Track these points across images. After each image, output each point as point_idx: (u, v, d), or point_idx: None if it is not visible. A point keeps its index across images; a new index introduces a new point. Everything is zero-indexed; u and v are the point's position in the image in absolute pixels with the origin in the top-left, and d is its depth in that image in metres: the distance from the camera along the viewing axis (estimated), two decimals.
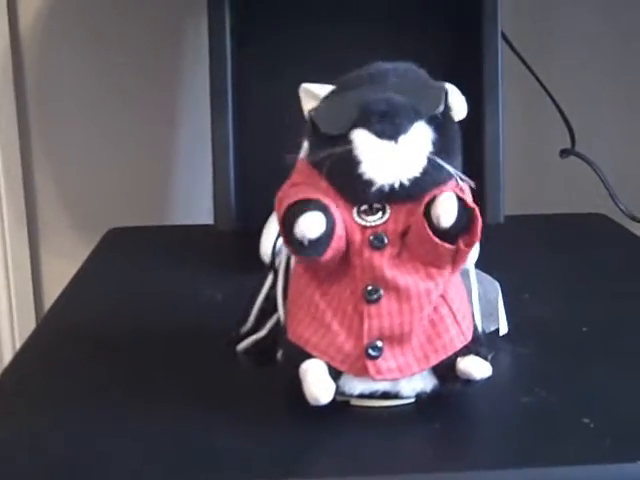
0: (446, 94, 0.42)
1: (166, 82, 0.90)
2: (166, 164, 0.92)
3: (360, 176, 0.40)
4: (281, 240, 0.45)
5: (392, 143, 0.40)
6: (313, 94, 0.43)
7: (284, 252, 0.46)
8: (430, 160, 0.41)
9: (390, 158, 0.40)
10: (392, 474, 0.39)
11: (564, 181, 0.92)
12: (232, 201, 0.77)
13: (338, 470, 0.40)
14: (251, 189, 0.77)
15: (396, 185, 0.41)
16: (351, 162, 0.40)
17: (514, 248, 0.71)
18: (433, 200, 0.41)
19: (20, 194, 0.90)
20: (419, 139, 0.41)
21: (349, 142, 0.40)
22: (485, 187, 0.77)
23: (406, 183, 0.41)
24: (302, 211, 0.40)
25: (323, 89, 0.43)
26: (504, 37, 0.81)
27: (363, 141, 0.40)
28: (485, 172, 0.77)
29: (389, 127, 0.40)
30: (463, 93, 0.43)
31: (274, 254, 0.48)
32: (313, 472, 0.40)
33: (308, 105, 0.43)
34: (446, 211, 0.40)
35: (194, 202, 0.92)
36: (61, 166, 0.91)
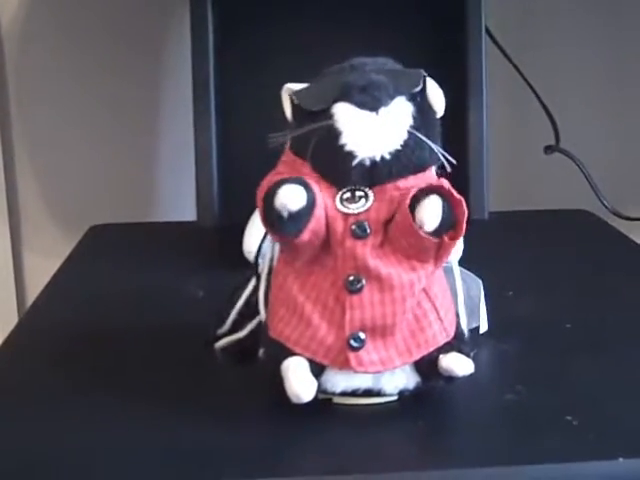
0: (424, 78, 0.42)
1: (149, 79, 0.89)
2: (149, 160, 0.91)
3: (341, 148, 0.40)
4: (265, 244, 0.45)
5: (373, 114, 0.40)
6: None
7: (268, 256, 0.46)
8: (411, 134, 0.41)
9: (371, 129, 0.40)
10: (375, 472, 0.39)
11: (548, 177, 0.92)
12: (215, 198, 0.77)
13: (320, 469, 0.40)
14: (234, 186, 0.77)
15: (377, 158, 0.40)
16: (332, 135, 0.40)
17: (498, 244, 0.71)
18: (417, 198, 0.40)
19: (2, 190, 0.89)
20: (400, 112, 0.41)
21: (330, 116, 0.40)
22: (469, 183, 0.77)
23: (387, 157, 0.40)
24: (282, 183, 0.40)
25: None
26: (489, 33, 0.81)
27: (344, 113, 0.40)
28: (469, 168, 0.77)
29: (369, 99, 0.40)
30: (447, 89, 0.43)
31: (257, 259, 0.47)
32: (295, 470, 0.40)
33: (289, 104, 0.43)
34: (430, 216, 0.40)
35: (177, 199, 0.91)
36: (43, 162, 0.91)
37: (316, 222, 0.41)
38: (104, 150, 0.90)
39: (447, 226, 0.41)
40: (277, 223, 0.40)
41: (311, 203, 0.40)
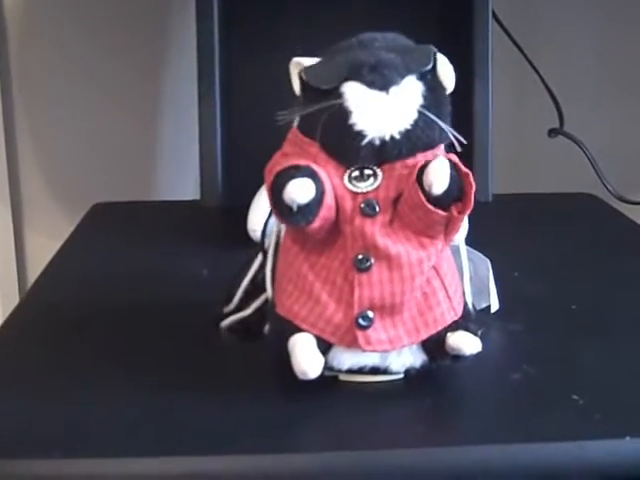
0: (435, 55, 0.42)
1: (152, 58, 0.89)
2: (152, 139, 0.91)
3: (351, 127, 0.40)
4: (271, 221, 0.45)
5: (383, 94, 0.40)
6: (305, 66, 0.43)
7: (274, 233, 0.46)
8: (421, 113, 0.40)
9: (381, 108, 0.40)
10: (380, 449, 0.39)
11: (552, 160, 0.91)
12: (219, 177, 0.77)
13: (326, 445, 0.40)
14: (238, 164, 0.77)
15: (387, 138, 0.40)
16: (342, 114, 0.40)
17: (503, 226, 0.71)
18: (425, 167, 0.40)
19: (4, 170, 0.89)
20: (410, 91, 0.40)
21: (340, 95, 0.40)
22: (474, 166, 0.77)
23: (397, 136, 0.40)
24: (291, 177, 0.40)
25: (315, 61, 0.43)
26: (495, 16, 0.80)
27: (354, 92, 0.40)
28: (474, 150, 0.77)
29: (379, 78, 0.40)
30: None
31: (264, 235, 0.47)
32: (300, 447, 0.40)
33: (298, 79, 0.43)
34: (438, 178, 0.40)
35: (180, 177, 0.91)
36: (45, 141, 0.90)
37: (326, 210, 0.41)
38: (107, 128, 0.90)
39: (455, 195, 0.40)
40: (287, 215, 0.40)
41: (320, 193, 0.40)
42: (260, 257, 0.47)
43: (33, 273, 0.91)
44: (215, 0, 0.76)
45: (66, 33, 0.87)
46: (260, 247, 0.47)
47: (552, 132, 0.84)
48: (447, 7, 0.79)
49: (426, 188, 0.40)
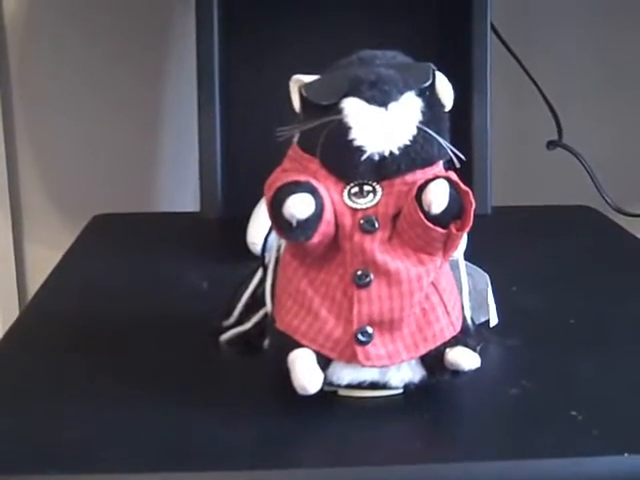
0: (434, 72, 0.42)
1: (152, 69, 0.89)
2: (152, 150, 0.91)
3: (351, 143, 0.40)
4: (271, 236, 0.45)
5: (382, 109, 0.40)
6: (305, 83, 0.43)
7: (274, 248, 0.46)
8: (420, 130, 0.41)
9: (380, 124, 0.40)
10: (379, 465, 0.39)
11: (551, 173, 0.92)
12: (218, 189, 0.77)
13: (325, 461, 0.40)
14: (237, 177, 0.77)
15: (386, 153, 0.40)
16: (342, 130, 0.40)
17: (501, 239, 0.71)
18: (425, 186, 0.40)
19: (4, 180, 0.89)
20: (409, 107, 0.41)
21: (339, 111, 0.40)
22: (473, 178, 0.77)
23: (396, 152, 0.41)
24: (291, 192, 0.40)
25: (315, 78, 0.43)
26: (493, 28, 0.80)
27: (353, 108, 0.40)
28: (473, 163, 0.77)
29: (379, 94, 0.40)
30: (451, 85, 0.43)
31: (264, 250, 0.47)
32: (299, 462, 0.40)
33: (298, 96, 0.43)
34: (437, 198, 0.40)
35: (180, 189, 0.91)
36: (45, 152, 0.90)
37: (326, 225, 0.41)
38: (107, 140, 0.90)
39: (454, 213, 0.41)
40: (286, 230, 0.41)
41: (320, 209, 0.40)
42: (260, 272, 0.47)
43: (33, 285, 0.91)
44: (215, 10, 0.76)
45: (67, 42, 0.87)
46: (260, 262, 0.47)
47: (550, 144, 0.84)
48: (445, 19, 0.80)
49: (425, 207, 0.40)
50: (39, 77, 0.88)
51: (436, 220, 0.41)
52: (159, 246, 0.70)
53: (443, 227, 0.41)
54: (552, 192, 0.90)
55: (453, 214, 0.41)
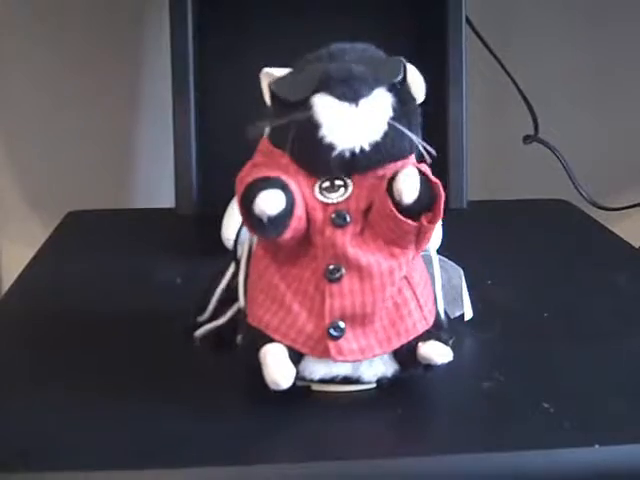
0: (404, 67, 0.42)
1: (128, 64, 0.89)
2: (127, 147, 0.91)
3: (321, 140, 0.40)
4: (244, 230, 0.44)
5: (352, 106, 0.40)
6: (275, 77, 0.43)
7: (247, 242, 0.46)
8: (391, 125, 0.41)
9: (351, 120, 0.40)
10: (353, 459, 0.39)
11: (527, 167, 0.92)
12: (193, 185, 0.77)
13: (298, 456, 0.39)
14: (212, 173, 0.77)
15: (357, 150, 0.40)
16: (311, 127, 0.40)
17: (477, 234, 0.71)
18: (395, 177, 0.40)
19: None
20: (380, 103, 0.41)
21: (309, 107, 0.40)
22: (448, 172, 0.77)
23: (367, 148, 0.40)
24: (261, 188, 0.40)
25: (285, 72, 0.43)
26: (469, 22, 0.81)
27: (323, 104, 0.40)
28: (448, 157, 0.77)
29: (349, 90, 0.40)
30: (427, 78, 0.43)
31: (237, 244, 0.47)
32: (272, 457, 0.39)
33: (268, 90, 0.43)
34: (408, 187, 0.40)
35: (155, 185, 0.91)
36: (19, 149, 0.90)
37: (297, 221, 0.41)
38: (82, 136, 0.89)
39: (424, 205, 0.40)
40: (257, 227, 0.40)
41: (290, 205, 0.40)
42: (233, 266, 0.47)
43: (8, 282, 0.90)
44: (189, 8, 0.76)
45: (38, 37, 0.87)
46: (233, 256, 0.47)
47: (527, 139, 0.84)
48: (420, 14, 0.80)
49: (396, 198, 0.40)
50: (13, 74, 0.88)
51: (407, 212, 0.40)
52: (133, 242, 0.70)
53: (414, 219, 0.41)
54: (528, 186, 0.90)
55: (424, 206, 0.41)
